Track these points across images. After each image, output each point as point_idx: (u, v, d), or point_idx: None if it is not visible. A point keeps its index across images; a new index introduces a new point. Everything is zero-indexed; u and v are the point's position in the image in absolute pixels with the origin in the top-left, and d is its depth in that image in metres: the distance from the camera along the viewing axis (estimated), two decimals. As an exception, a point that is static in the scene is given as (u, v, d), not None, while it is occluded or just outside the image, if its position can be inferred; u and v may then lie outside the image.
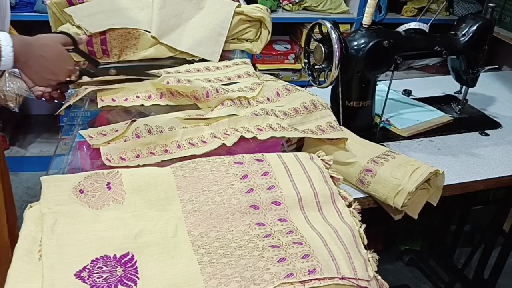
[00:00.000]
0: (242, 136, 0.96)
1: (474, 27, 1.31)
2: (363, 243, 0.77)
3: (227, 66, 1.26)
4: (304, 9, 2.47)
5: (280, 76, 2.51)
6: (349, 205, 0.83)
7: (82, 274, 0.65)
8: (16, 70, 1.17)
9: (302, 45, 1.81)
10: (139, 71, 1.16)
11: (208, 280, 0.66)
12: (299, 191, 0.80)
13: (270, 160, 0.86)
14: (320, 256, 0.69)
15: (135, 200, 0.77)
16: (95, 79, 1.13)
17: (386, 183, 0.99)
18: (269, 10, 1.39)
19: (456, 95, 1.50)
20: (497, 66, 1.52)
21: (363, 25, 1.20)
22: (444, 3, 2.56)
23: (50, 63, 0.97)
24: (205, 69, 1.24)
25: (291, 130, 0.99)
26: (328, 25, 1.15)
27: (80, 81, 1.11)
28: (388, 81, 1.24)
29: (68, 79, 1.04)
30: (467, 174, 1.17)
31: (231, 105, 1.04)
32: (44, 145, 2.58)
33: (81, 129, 0.98)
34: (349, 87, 1.22)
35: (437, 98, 1.55)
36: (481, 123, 1.43)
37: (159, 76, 1.10)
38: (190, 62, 1.29)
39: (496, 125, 1.43)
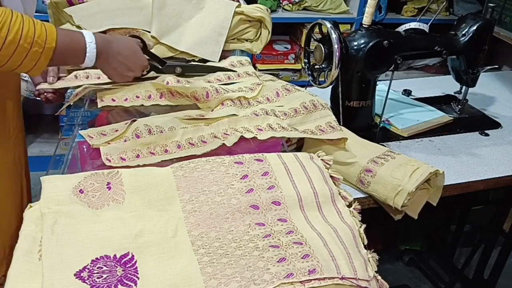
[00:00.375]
0: (242, 136, 0.96)
1: (474, 27, 1.31)
2: (363, 243, 0.77)
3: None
4: (304, 9, 2.47)
5: (280, 76, 2.51)
6: (349, 205, 0.83)
7: (82, 274, 0.65)
8: None
9: (302, 45, 1.81)
10: (203, 69, 1.21)
11: (208, 280, 0.66)
12: (299, 191, 0.80)
13: (270, 160, 0.86)
14: (320, 256, 0.69)
15: (135, 200, 0.77)
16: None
17: (386, 183, 0.99)
18: (269, 10, 1.39)
19: (456, 95, 1.50)
20: (497, 66, 1.52)
21: (363, 25, 1.20)
22: (444, 3, 2.56)
23: (127, 60, 1.03)
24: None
25: (291, 130, 0.99)
26: (328, 25, 1.15)
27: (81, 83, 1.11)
28: (388, 81, 1.24)
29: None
30: (467, 174, 1.17)
31: (231, 105, 1.04)
32: (44, 145, 2.57)
33: (81, 129, 0.98)
34: (349, 87, 1.22)
35: (437, 98, 1.55)
36: (481, 123, 1.43)
37: (231, 70, 1.17)
38: (190, 62, 1.29)
39: (496, 125, 1.43)
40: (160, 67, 1.15)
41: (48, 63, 0.88)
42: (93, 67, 1.01)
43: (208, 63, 1.27)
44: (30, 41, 0.82)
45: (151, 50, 1.17)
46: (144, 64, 1.09)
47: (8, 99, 1.01)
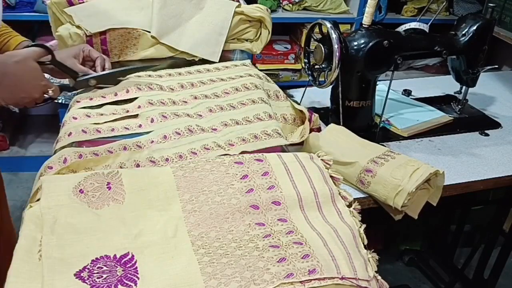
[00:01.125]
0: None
1: (474, 27, 1.31)
2: (363, 243, 0.77)
3: (219, 69, 1.25)
4: (304, 9, 2.47)
5: (280, 76, 2.52)
6: (349, 205, 0.83)
7: (82, 274, 0.65)
8: None
9: (302, 45, 1.81)
10: (119, 76, 1.14)
11: (208, 280, 0.66)
12: (299, 191, 0.80)
13: (270, 160, 0.86)
14: (320, 256, 0.69)
15: (135, 200, 0.77)
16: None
17: (386, 183, 0.98)
18: (269, 10, 1.39)
19: (456, 95, 1.50)
20: (497, 66, 1.52)
21: (363, 25, 1.20)
22: (444, 3, 2.56)
23: (21, 81, 0.93)
24: (196, 71, 1.22)
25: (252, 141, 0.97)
26: (328, 25, 1.15)
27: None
28: (388, 81, 1.24)
29: (46, 95, 1.00)
30: (467, 174, 1.17)
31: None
32: (44, 145, 2.57)
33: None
34: (349, 87, 1.22)
35: (437, 98, 1.55)
36: (481, 123, 1.43)
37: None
38: (190, 62, 1.29)
39: (496, 125, 1.42)
40: (73, 81, 1.08)
41: None
42: None
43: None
44: None
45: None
46: (42, 83, 0.97)
47: None
